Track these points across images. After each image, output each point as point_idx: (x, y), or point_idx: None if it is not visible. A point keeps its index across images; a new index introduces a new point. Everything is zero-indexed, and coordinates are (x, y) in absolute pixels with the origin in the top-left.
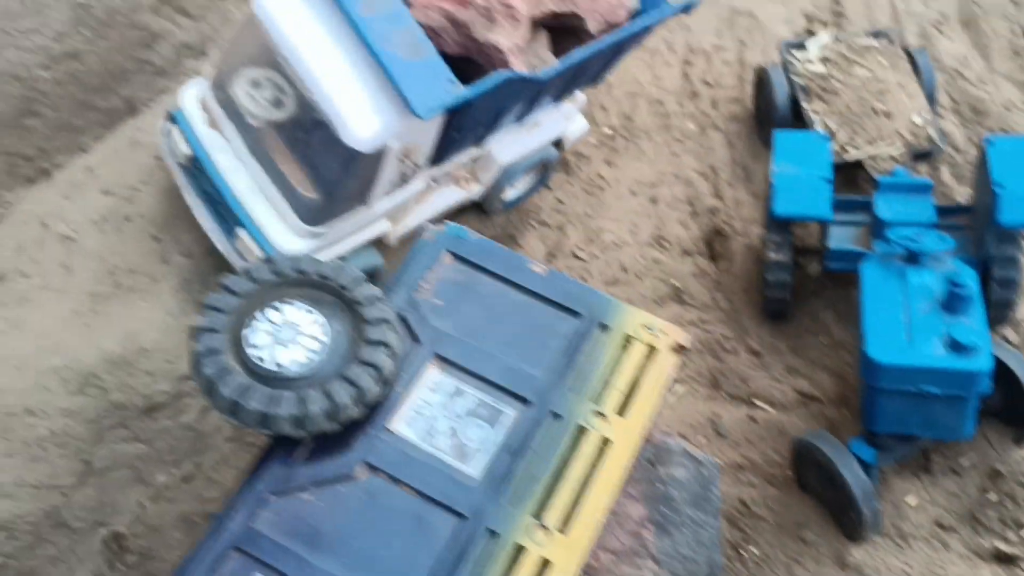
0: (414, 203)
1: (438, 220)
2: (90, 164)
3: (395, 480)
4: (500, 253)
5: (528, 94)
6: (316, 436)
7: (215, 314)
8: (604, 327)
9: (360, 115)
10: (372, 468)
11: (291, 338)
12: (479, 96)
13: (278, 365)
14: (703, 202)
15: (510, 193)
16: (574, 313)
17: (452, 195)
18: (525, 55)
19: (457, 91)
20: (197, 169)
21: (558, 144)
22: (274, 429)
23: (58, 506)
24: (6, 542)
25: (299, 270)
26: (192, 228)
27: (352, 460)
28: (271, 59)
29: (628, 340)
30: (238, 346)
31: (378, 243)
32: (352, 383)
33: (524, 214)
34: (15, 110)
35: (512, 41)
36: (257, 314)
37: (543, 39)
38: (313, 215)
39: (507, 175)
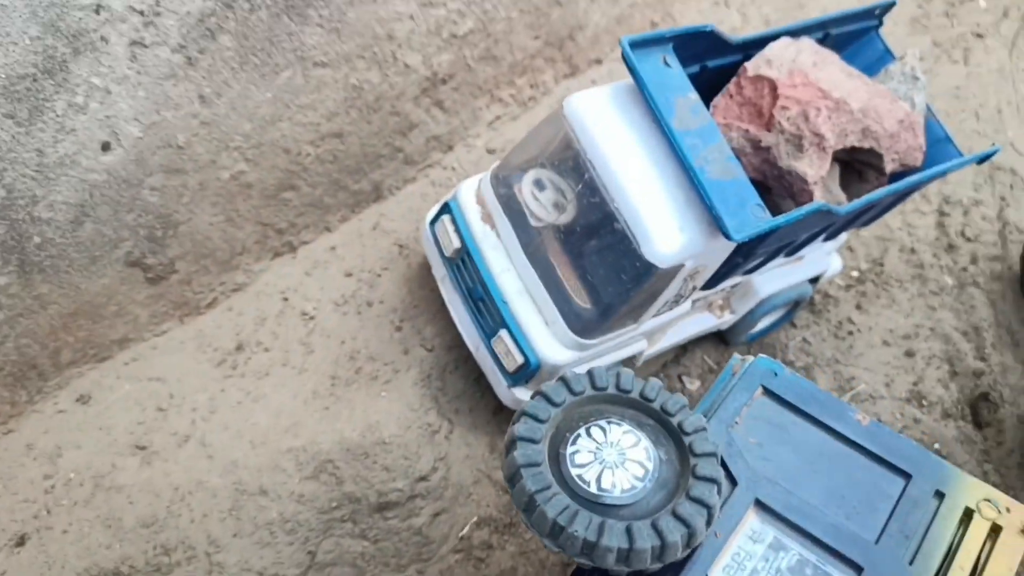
0: (668, 327)
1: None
2: (334, 244)
3: None
4: (819, 395)
5: (818, 228)
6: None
7: (535, 424)
8: (939, 495)
9: (665, 230)
10: None
11: (616, 461)
12: (785, 225)
13: (601, 489)
14: (965, 363)
15: (758, 326)
16: (902, 473)
17: (704, 322)
18: (823, 189)
19: (767, 218)
20: (463, 264)
21: (813, 281)
22: (598, 561)
23: None
24: None
25: (620, 387)
26: (434, 320)
27: None
28: (560, 162)
29: (968, 514)
30: (556, 462)
31: (626, 362)
32: (683, 521)
33: (767, 349)
34: (278, 182)
35: (818, 172)
36: (579, 430)
37: (835, 173)
38: (585, 327)
39: (762, 307)
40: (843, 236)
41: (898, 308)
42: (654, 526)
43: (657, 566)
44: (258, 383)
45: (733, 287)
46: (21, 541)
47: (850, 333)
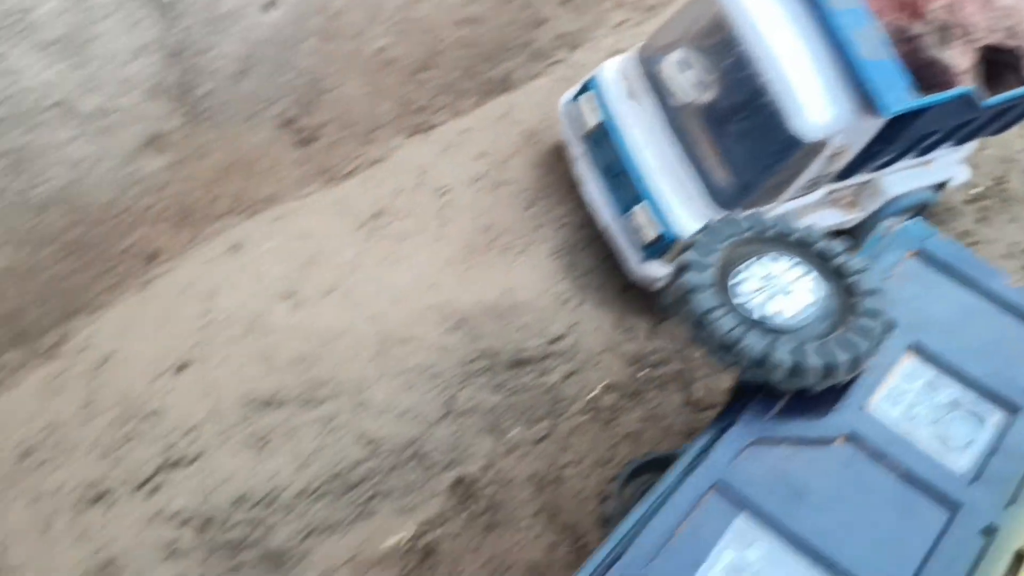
0: (798, 215)
1: None
2: (465, 127)
3: (876, 457)
4: (970, 259)
5: (958, 122)
6: (792, 397)
7: (704, 252)
8: None
9: (815, 104)
10: (852, 440)
11: (781, 291)
12: (930, 107)
13: (769, 314)
14: None
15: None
16: None
17: (832, 217)
18: (969, 80)
19: (916, 97)
20: (603, 140)
21: (938, 190)
22: (767, 376)
23: (418, 438)
24: (370, 458)
25: (784, 231)
26: (564, 202)
27: (832, 428)
28: (707, 41)
29: None
30: (724, 289)
31: None
32: (850, 345)
33: None
34: (418, 62)
35: (964, 63)
36: (745, 263)
37: (978, 71)
38: (725, 201)
39: (889, 207)
40: (972, 144)
41: (1020, 224)
42: (823, 348)
43: (823, 385)
44: (397, 246)
45: (863, 184)
46: (182, 367)
47: (971, 244)
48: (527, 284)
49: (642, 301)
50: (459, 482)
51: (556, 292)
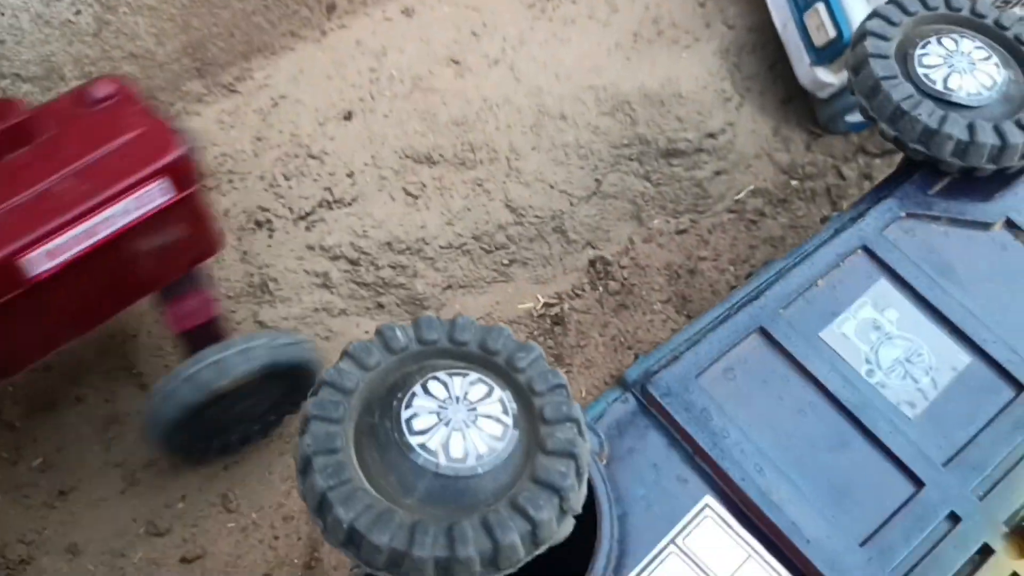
0: None
1: None
2: None
3: None
4: None
5: None
6: (958, 178)
7: (887, 20)
8: None
9: None
10: (1013, 226)
11: (965, 67)
12: None
13: (947, 88)
14: None
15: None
16: None
17: None
18: None
19: None
20: None
21: None
22: (933, 149)
23: (563, 212)
24: (515, 224)
25: (975, 9)
26: (737, 2)
27: (994, 211)
28: None
29: None
30: (904, 62)
31: None
32: None
33: None
34: None
35: None
36: (930, 38)
37: None
38: None
39: None
40: None
41: None
42: (997, 127)
43: (990, 168)
44: (564, 28)
45: None
46: (348, 116)
47: None
48: (690, 77)
49: (804, 113)
50: (596, 261)
51: (718, 89)
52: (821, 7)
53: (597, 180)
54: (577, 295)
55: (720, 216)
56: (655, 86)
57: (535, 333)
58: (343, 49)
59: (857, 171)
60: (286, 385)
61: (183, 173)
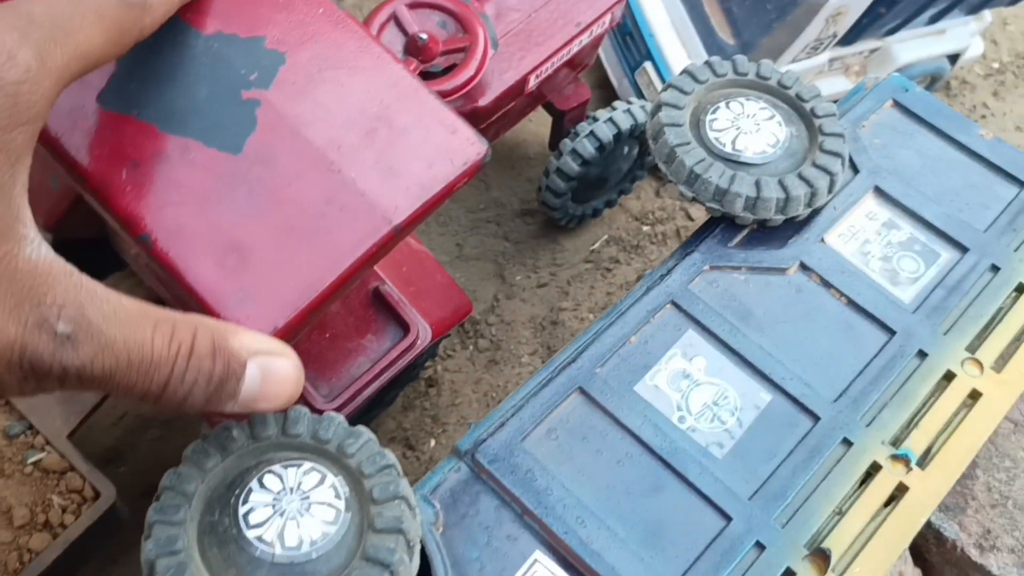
0: (805, 79)
1: None
2: None
3: (826, 284)
4: (946, 111)
5: None
6: (753, 229)
7: (678, 93)
8: None
9: None
10: (805, 268)
11: (751, 128)
12: None
13: (735, 149)
14: None
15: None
16: (1018, 182)
17: (839, 85)
18: None
19: None
20: None
21: (952, 60)
22: (727, 207)
23: None
24: None
25: (760, 74)
26: None
27: (787, 257)
28: None
29: None
30: (697, 127)
31: None
32: (807, 182)
33: None
34: None
35: None
36: (718, 104)
37: None
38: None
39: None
40: (987, 16)
41: None
42: (781, 182)
43: (780, 218)
44: None
45: (872, 51)
46: None
47: (983, 117)
48: (536, 141)
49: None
50: (465, 321)
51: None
52: (649, 66)
53: (459, 245)
54: (449, 355)
55: (578, 267)
56: (505, 151)
57: (411, 396)
58: None
59: (703, 210)
60: (637, 150)
61: None
